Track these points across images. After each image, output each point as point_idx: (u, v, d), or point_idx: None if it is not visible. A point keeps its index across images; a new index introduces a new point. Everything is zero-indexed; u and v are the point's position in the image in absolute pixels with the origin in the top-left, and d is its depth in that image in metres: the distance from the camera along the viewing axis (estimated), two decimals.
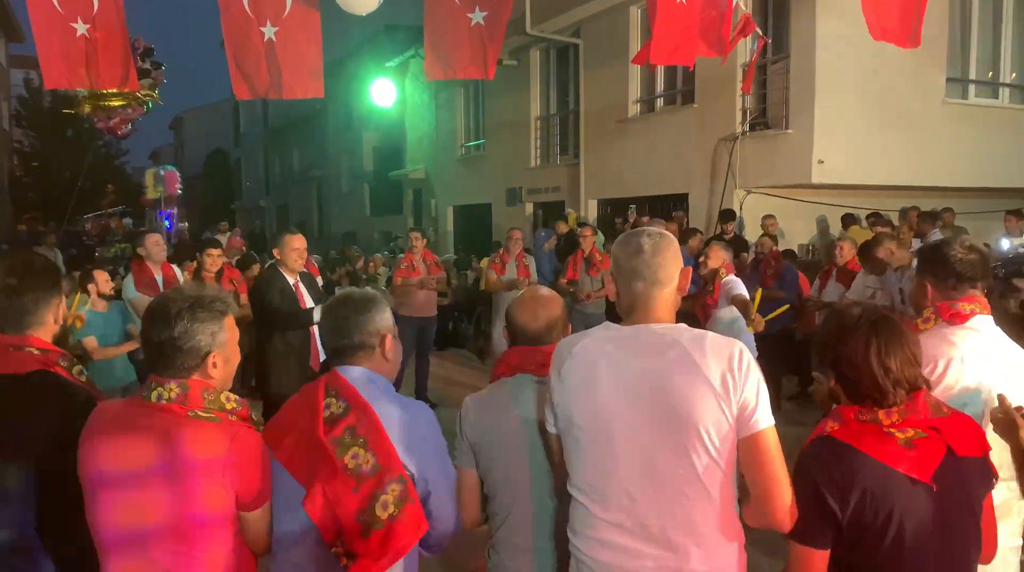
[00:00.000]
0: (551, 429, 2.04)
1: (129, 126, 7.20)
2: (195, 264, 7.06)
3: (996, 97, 11.11)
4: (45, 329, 2.20)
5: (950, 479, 1.81)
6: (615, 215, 12.70)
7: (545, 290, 2.44)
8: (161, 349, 1.88)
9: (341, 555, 1.91)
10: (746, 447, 1.82)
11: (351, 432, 1.95)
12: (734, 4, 5.39)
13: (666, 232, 2.04)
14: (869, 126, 9.47)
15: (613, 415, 1.88)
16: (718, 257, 5.70)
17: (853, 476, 1.78)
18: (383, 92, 18.17)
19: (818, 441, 1.90)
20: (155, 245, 6.03)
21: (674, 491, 1.83)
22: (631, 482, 1.86)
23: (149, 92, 6.52)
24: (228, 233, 15.79)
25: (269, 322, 4.89)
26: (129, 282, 5.91)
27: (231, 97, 41.26)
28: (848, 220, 9.69)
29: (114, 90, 6.27)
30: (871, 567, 1.82)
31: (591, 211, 13.26)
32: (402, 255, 8.38)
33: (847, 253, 6.75)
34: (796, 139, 9.56)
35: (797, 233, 10.51)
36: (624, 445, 1.87)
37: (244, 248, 13.45)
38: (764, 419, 1.81)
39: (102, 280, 5.42)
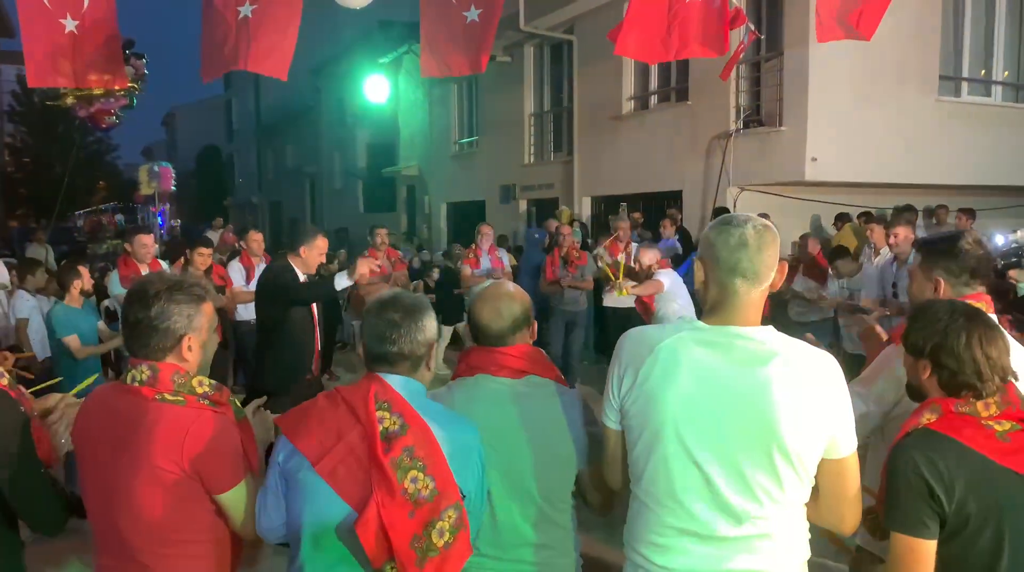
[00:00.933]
0: (612, 425, 1.92)
1: (113, 118, 7.12)
2: (183, 261, 7.07)
3: (989, 95, 11.13)
4: None
5: None
6: (609, 212, 12.69)
7: (510, 286, 2.27)
8: (137, 329, 1.91)
9: None
10: (830, 467, 1.78)
11: (409, 453, 1.82)
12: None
13: (771, 224, 1.83)
14: (862, 124, 9.48)
15: (698, 422, 1.75)
16: (649, 256, 6.16)
17: (958, 467, 1.82)
18: (377, 88, 18.12)
19: (919, 433, 1.92)
20: (142, 246, 6.05)
21: (754, 500, 1.75)
22: (707, 490, 1.76)
23: (132, 84, 6.46)
24: (221, 229, 15.75)
25: (283, 305, 4.72)
26: (115, 277, 5.96)
27: (224, 93, 41.21)
28: (844, 218, 9.70)
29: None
30: (969, 557, 1.85)
31: (585, 208, 13.25)
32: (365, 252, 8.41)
33: (812, 247, 7.04)
34: (789, 137, 9.56)
35: (790, 230, 10.51)
36: (706, 453, 1.75)
37: (237, 244, 13.41)
38: (851, 444, 1.78)
39: (87, 276, 5.37)
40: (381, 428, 1.83)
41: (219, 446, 1.88)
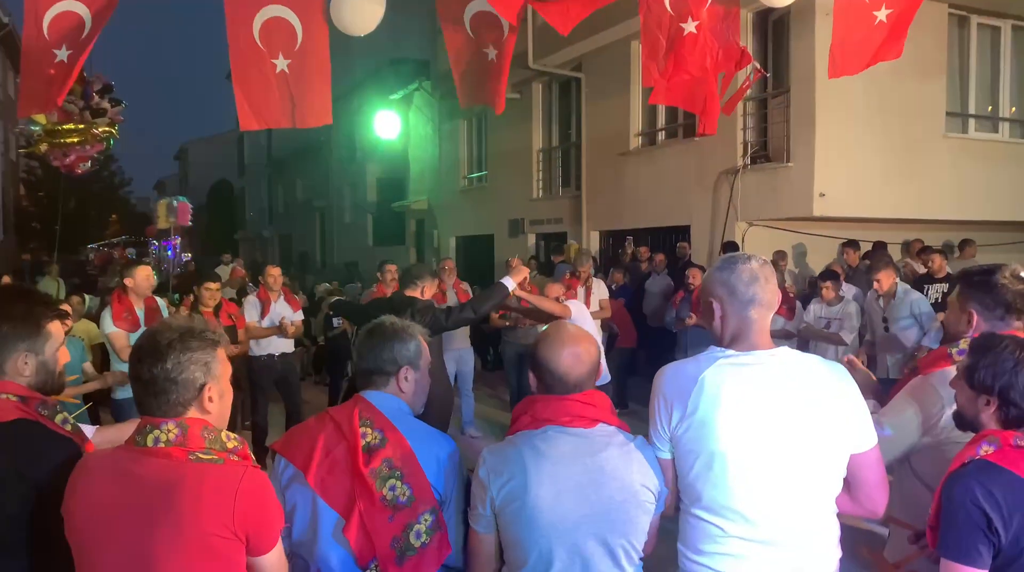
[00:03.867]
0: (663, 454, 2.07)
1: (88, 163, 7.11)
2: (192, 298, 6.88)
3: (996, 131, 11.18)
4: (19, 375, 2.01)
5: None
6: (616, 246, 12.74)
7: (572, 327, 2.18)
8: (153, 385, 1.75)
9: None
10: (859, 460, 2.00)
11: (388, 464, 2.04)
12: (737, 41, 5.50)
13: (767, 260, 2.12)
14: (870, 159, 9.53)
15: (747, 439, 1.94)
16: (554, 289, 6.28)
17: (1016, 500, 1.87)
18: (387, 124, 18.36)
19: (977, 464, 1.96)
20: (145, 279, 5.66)
21: (803, 501, 1.96)
22: (765, 501, 1.95)
23: (108, 129, 6.42)
24: (231, 264, 15.86)
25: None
26: (107, 315, 5.49)
27: (236, 128, 41.48)
28: (852, 246, 9.71)
29: (70, 126, 6.21)
30: None
31: (593, 242, 13.30)
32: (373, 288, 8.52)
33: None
34: (797, 172, 9.61)
35: (800, 265, 10.54)
36: (759, 465, 1.94)
37: (247, 278, 13.51)
38: (873, 437, 2.01)
39: (76, 307, 5.29)
40: (364, 442, 2.05)
41: (266, 505, 1.78)
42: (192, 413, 1.79)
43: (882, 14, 5.17)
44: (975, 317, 2.44)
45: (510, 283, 4.85)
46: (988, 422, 2.05)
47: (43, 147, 6.69)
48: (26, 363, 2.02)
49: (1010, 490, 1.88)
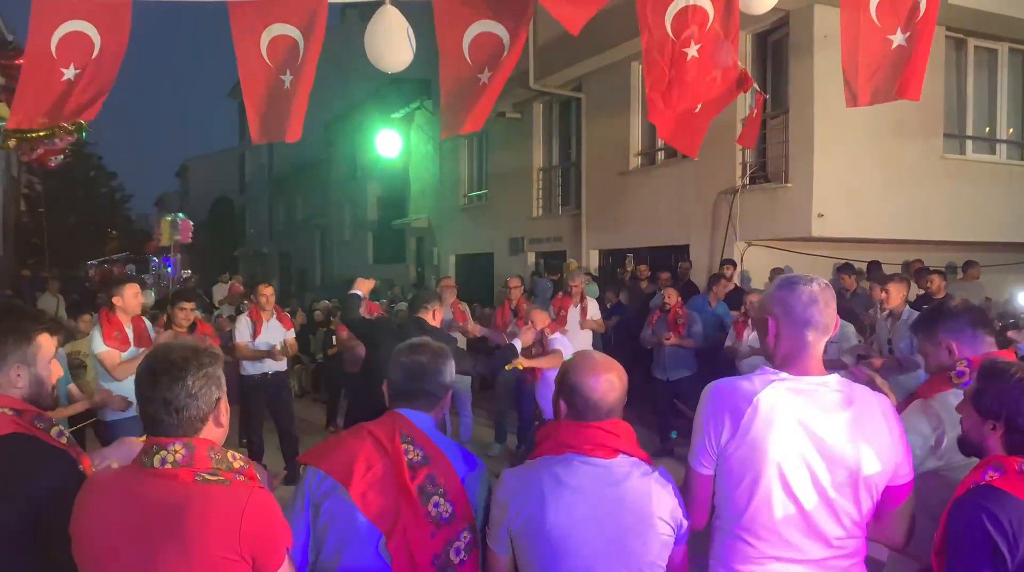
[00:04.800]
0: (706, 472, 2.07)
1: (60, 157, 6.99)
2: (165, 318, 6.58)
3: (993, 152, 11.24)
4: (13, 388, 2.01)
5: None
6: (616, 265, 12.76)
7: (598, 354, 2.19)
8: (174, 402, 1.74)
9: None
10: (896, 492, 2.06)
11: (432, 481, 2.07)
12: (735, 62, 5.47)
13: (829, 284, 2.13)
14: (868, 180, 9.57)
15: (797, 463, 1.97)
16: (541, 319, 6.10)
17: (1023, 526, 1.88)
18: (388, 143, 18.45)
19: (983, 490, 1.97)
20: (134, 297, 5.45)
21: (840, 526, 2.01)
22: (803, 521, 1.99)
23: (79, 120, 6.35)
24: (230, 282, 15.90)
25: None
26: (96, 335, 5.32)
27: (237, 146, 41.85)
28: (847, 270, 9.71)
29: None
30: None
31: (592, 261, 13.33)
32: None
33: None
34: (796, 193, 9.65)
35: None
36: (804, 490, 1.98)
37: (248, 294, 13.53)
38: (911, 471, 2.09)
39: (87, 326, 5.28)
40: (407, 459, 2.07)
41: (273, 526, 1.77)
42: (207, 427, 1.80)
43: (898, 38, 4.92)
44: (953, 344, 2.50)
45: (518, 345, 5.01)
46: (994, 447, 2.05)
47: (12, 143, 6.64)
48: (19, 375, 2.03)
49: (1016, 516, 1.88)
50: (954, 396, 2.33)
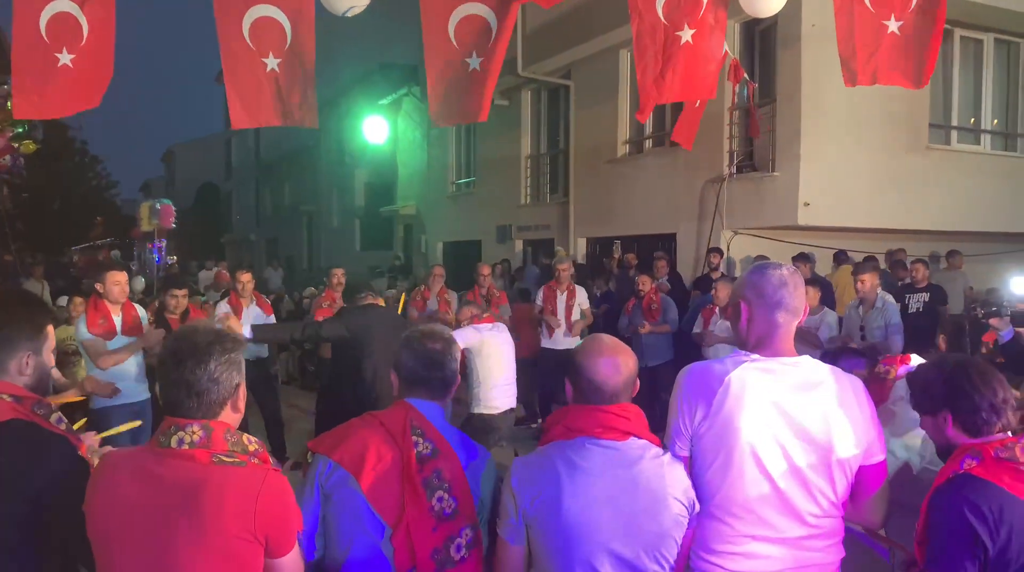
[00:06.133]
0: (681, 453, 2.09)
1: (18, 151, 6.90)
2: (156, 304, 6.48)
3: (978, 143, 11.33)
4: (20, 375, 2.04)
5: None
6: (604, 253, 12.79)
7: (610, 338, 2.17)
8: (196, 385, 1.76)
9: None
10: (869, 471, 2.10)
11: (438, 475, 2.06)
12: (724, 49, 5.46)
13: (796, 268, 2.21)
14: (854, 170, 9.63)
15: (769, 442, 2.01)
16: (464, 312, 6.16)
17: (1002, 513, 1.89)
18: (376, 129, 18.36)
19: (962, 479, 1.98)
20: (115, 285, 5.25)
21: (815, 504, 2.04)
22: (778, 499, 2.02)
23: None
24: (215, 268, 15.80)
25: None
26: (82, 322, 5.17)
27: (223, 131, 41.53)
28: (842, 258, 9.80)
29: None
30: None
31: (580, 249, 13.35)
32: (322, 294, 8.44)
33: (722, 291, 6.82)
34: (782, 181, 9.70)
35: None
36: (777, 468, 2.01)
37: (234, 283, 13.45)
38: (883, 450, 2.12)
39: (77, 309, 5.17)
40: (416, 452, 2.06)
41: (287, 508, 1.81)
42: (225, 412, 1.82)
43: (893, 25, 5.00)
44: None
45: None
46: (956, 437, 2.07)
47: None
48: (28, 363, 2.06)
49: (995, 503, 1.89)
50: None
